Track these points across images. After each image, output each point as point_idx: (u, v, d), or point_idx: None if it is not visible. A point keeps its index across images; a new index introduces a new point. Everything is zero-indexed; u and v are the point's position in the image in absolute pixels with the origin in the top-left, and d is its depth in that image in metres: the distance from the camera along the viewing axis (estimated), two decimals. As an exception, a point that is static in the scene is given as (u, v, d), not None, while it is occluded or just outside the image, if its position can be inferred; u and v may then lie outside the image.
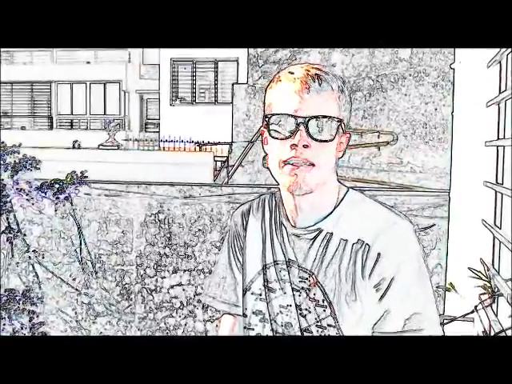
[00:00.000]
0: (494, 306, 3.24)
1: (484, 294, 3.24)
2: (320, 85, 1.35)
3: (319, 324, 1.38)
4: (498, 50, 3.19)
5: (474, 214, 3.70)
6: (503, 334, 2.83)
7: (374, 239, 1.36)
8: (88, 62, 16.53)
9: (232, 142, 9.14)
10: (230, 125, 9.09)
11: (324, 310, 1.38)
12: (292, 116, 1.35)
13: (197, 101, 13.99)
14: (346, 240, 1.39)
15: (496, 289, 3.16)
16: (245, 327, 1.52)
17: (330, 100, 1.36)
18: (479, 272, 3.26)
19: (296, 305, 1.42)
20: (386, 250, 1.34)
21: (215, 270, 1.63)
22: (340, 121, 1.37)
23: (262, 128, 1.45)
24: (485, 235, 3.55)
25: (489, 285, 3.21)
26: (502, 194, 3.32)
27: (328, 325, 1.38)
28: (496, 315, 3.16)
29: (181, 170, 8.76)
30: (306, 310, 1.40)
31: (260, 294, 1.49)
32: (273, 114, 1.39)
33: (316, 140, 1.35)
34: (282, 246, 1.47)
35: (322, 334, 1.37)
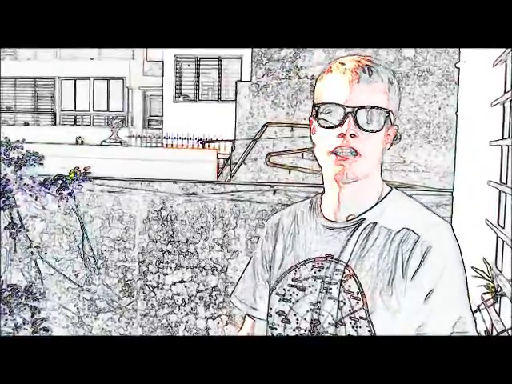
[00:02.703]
0: (497, 305, 3.25)
1: (487, 293, 3.24)
2: (370, 76, 1.36)
3: (352, 316, 1.38)
4: (503, 49, 3.18)
5: (477, 213, 3.70)
6: (505, 333, 2.83)
7: (417, 240, 1.35)
8: (92, 59, 16.54)
9: (235, 139, 9.14)
10: (233, 122, 9.09)
11: (357, 302, 1.37)
12: (341, 105, 1.36)
13: (200, 98, 13.99)
14: (390, 233, 1.38)
15: (499, 288, 3.16)
16: (270, 327, 1.53)
17: (379, 91, 1.37)
18: (482, 271, 3.26)
19: (331, 297, 1.41)
20: (430, 251, 1.33)
21: (244, 273, 1.65)
22: (389, 112, 1.38)
23: (310, 118, 1.46)
24: (488, 235, 3.55)
25: (492, 284, 3.21)
26: (505, 194, 3.32)
27: (360, 317, 1.37)
28: (498, 315, 3.16)
29: (184, 167, 8.76)
30: (342, 301, 1.40)
31: (284, 295, 1.49)
32: (322, 103, 1.40)
33: (364, 130, 1.36)
34: (315, 243, 1.47)
35: (355, 327, 1.37)
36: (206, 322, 8.27)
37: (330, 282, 1.42)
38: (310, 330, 1.44)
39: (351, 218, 1.43)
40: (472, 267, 3.31)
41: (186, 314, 8.33)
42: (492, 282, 3.22)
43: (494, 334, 3.08)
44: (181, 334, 8.29)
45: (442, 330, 1.32)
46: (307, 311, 1.45)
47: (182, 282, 8.33)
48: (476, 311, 3.28)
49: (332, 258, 1.43)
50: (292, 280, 1.48)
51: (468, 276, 3.39)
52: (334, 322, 1.40)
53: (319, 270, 1.44)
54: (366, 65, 1.37)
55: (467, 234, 3.85)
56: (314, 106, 1.43)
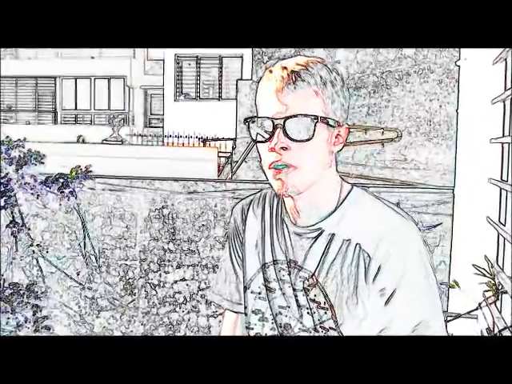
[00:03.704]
0: (498, 303, 3.25)
1: (488, 291, 3.24)
2: (294, 82, 1.29)
3: (322, 326, 1.36)
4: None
5: (478, 210, 3.70)
6: (507, 330, 2.83)
7: (376, 245, 1.31)
8: (92, 57, 16.53)
9: (236, 137, 9.14)
10: (234, 121, 9.09)
11: (325, 313, 1.35)
12: (268, 118, 1.31)
13: (201, 97, 13.98)
14: (349, 241, 1.34)
15: (500, 286, 3.17)
16: (246, 327, 1.50)
17: (309, 96, 1.30)
18: (483, 269, 3.26)
19: (299, 305, 1.39)
20: (389, 255, 1.30)
21: (220, 267, 1.60)
22: (317, 117, 1.30)
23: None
24: (489, 232, 3.55)
25: (493, 282, 3.21)
26: (506, 191, 3.32)
27: (330, 327, 1.35)
28: (500, 312, 3.16)
29: (185, 166, 8.76)
30: (310, 309, 1.37)
31: (259, 293, 1.46)
32: (251, 118, 1.35)
33: (294, 140, 1.29)
34: (283, 245, 1.43)
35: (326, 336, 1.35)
36: (207, 320, 8.28)
37: (295, 289, 1.40)
38: (281, 334, 1.42)
39: (311, 227, 1.39)
40: (473, 265, 3.31)
41: (188, 312, 8.33)
42: (493, 279, 3.22)
43: (496, 331, 3.08)
44: (182, 332, 8.30)
45: (402, 333, 1.29)
46: (276, 314, 1.43)
47: (184, 280, 8.33)
48: (477, 309, 3.28)
49: (296, 264, 1.40)
50: (264, 280, 1.45)
51: (469, 273, 3.39)
52: (304, 329, 1.39)
53: (289, 274, 1.41)
54: (292, 71, 1.31)
55: (468, 231, 3.85)
56: (244, 120, 1.37)
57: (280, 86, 1.30)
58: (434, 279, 1.32)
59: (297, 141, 1.30)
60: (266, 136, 1.32)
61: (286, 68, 1.32)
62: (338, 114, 1.35)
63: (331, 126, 1.33)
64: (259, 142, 1.35)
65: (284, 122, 1.29)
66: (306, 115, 1.29)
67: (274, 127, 1.30)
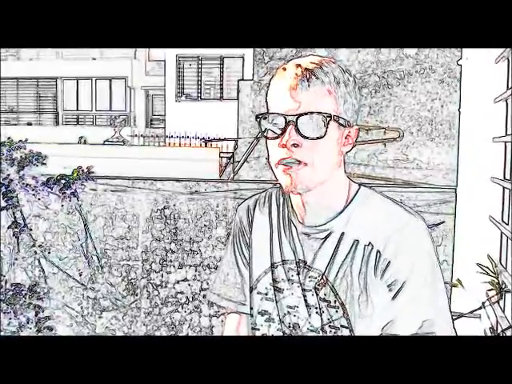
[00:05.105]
0: (502, 302, 3.24)
1: (491, 290, 3.24)
2: (308, 80, 1.30)
3: (332, 324, 1.36)
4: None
5: (481, 210, 3.70)
6: (510, 330, 2.83)
7: (385, 242, 1.32)
8: (94, 59, 16.54)
9: (238, 138, 9.14)
10: (235, 121, 9.09)
11: (336, 311, 1.35)
12: (281, 115, 1.32)
13: (202, 97, 13.98)
14: (358, 240, 1.34)
15: (503, 285, 3.16)
16: (252, 328, 1.50)
17: (322, 94, 1.31)
18: (487, 268, 3.26)
19: (308, 305, 1.39)
20: (398, 252, 1.31)
21: (220, 267, 1.59)
22: (330, 116, 1.31)
23: None
24: (492, 231, 3.55)
25: (496, 281, 3.21)
26: (509, 190, 3.32)
27: (341, 325, 1.35)
28: (503, 311, 3.16)
29: (186, 166, 8.76)
30: (320, 309, 1.37)
31: (266, 294, 1.46)
32: (263, 114, 1.36)
33: (306, 138, 1.30)
34: (291, 244, 1.42)
35: (337, 335, 1.35)
36: (209, 320, 8.28)
37: (304, 289, 1.40)
38: (290, 334, 1.42)
39: (320, 226, 1.39)
40: (477, 264, 3.31)
41: (190, 312, 8.33)
42: (497, 278, 3.22)
43: (499, 330, 3.08)
44: (185, 332, 8.30)
45: (407, 330, 1.30)
46: (284, 314, 1.43)
47: (186, 280, 8.33)
48: (480, 308, 3.28)
49: (305, 264, 1.40)
50: (272, 280, 1.45)
51: (473, 272, 3.39)
52: (312, 329, 1.39)
53: (298, 274, 1.41)
54: (306, 68, 1.32)
55: (471, 230, 3.85)
56: (256, 116, 1.37)
57: (294, 84, 1.31)
58: (441, 276, 1.33)
59: (308, 138, 1.31)
60: (278, 132, 1.33)
61: (300, 66, 1.33)
62: (349, 114, 1.36)
63: (342, 125, 1.34)
64: (270, 138, 1.35)
65: (296, 119, 1.30)
66: (319, 113, 1.30)
67: (286, 124, 1.31)
